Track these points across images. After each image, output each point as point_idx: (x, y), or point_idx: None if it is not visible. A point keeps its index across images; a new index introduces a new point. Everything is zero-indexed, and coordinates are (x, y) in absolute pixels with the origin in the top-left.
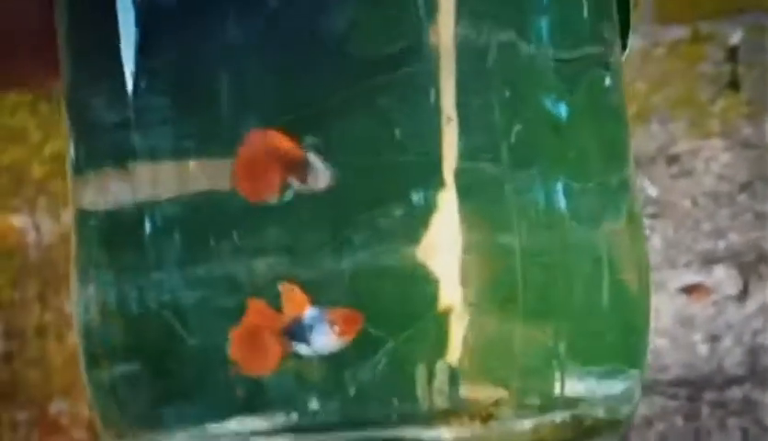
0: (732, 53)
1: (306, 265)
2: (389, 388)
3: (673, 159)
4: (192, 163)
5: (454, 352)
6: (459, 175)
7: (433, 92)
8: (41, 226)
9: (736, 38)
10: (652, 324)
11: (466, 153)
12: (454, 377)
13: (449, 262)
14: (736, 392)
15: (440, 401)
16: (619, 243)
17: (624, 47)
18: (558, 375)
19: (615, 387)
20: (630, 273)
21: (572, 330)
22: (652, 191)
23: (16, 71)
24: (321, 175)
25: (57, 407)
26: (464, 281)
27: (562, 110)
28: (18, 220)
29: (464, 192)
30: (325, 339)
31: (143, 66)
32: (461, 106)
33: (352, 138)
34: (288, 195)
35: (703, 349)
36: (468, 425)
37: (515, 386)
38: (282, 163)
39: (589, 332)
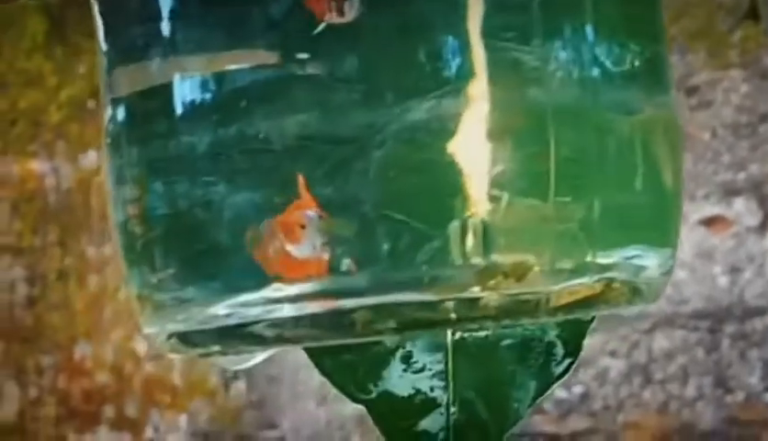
0: None
1: (336, 123)
2: (424, 248)
3: (692, 90)
4: (223, 53)
5: (488, 214)
6: (488, 47)
7: None
8: (60, 170)
9: None
10: None
11: (493, 27)
12: (487, 237)
13: (482, 134)
14: (757, 324)
15: (474, 261)
16: (653, 118)
17: None
18: (589, 243)
19: (646, 258)
20: (662, 150)
21: (605, 200)
22: None
23: None
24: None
25: (81, 351)
26: (493, 137)
27: None
28: (37, 165)
29: (492, 62)
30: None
31: None
32: None
33: (380, 19)
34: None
35: (723, 281)
36: (502, 284)
37: (548, 251)
38: None
39: (621, 204)
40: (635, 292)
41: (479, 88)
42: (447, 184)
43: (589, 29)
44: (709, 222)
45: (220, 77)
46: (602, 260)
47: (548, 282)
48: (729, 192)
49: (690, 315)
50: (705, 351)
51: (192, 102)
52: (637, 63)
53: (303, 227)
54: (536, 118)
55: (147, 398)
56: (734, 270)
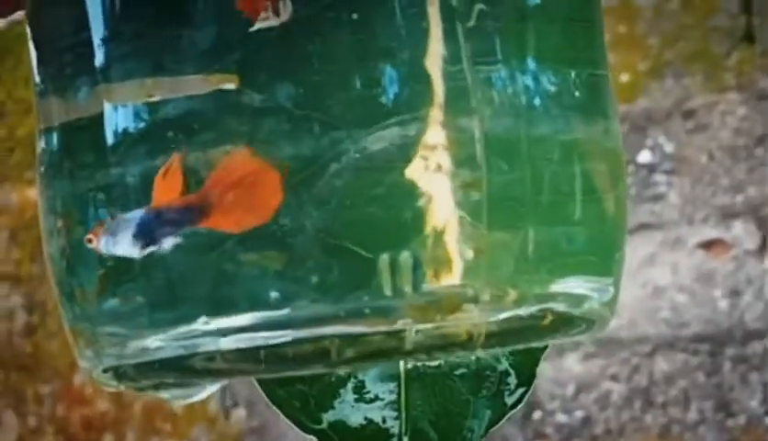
0: (746, 5)
1: (266, 155)
2: (355, 280)
3: (689, 114)
4: (162, 80)
5: (420, 241)
6: (439, 74)
7: None
8: None
9: None
10: (671, 280)
11: (443, 51)
12: (419, 266)
13: (417, 146)
14: (757, 347)
15: (405, 293)
16: (592, 144)
17: None
18: (526, 274)
19: (585, 288)
20: (603, 177)
21: (541, 231)
22: (668, 147)
23: None
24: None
25: (80, 378)
26: (428, 165)
27: None
28: (36, 193)
29: (441, 91)
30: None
31: None
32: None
33: (328, 42)
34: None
35: (723, 304)
36: (434, 317)
37: (483, 281)
38: None
39: (558, 235)
40: (574, 323)
41: (425, 113)
42: (379, 214)
43: (528, 56)
44: (708, 246)
45: (151, 106)
46: (538, 291)
47: (483, 314)
48: (728, 215)
49: (690, 339)
50: (706, 374)
51: (122, 133)
52: (576, 92)
53: (95, 236)
54: (468, 147)
55: (147, 425)
56: (734, 293)
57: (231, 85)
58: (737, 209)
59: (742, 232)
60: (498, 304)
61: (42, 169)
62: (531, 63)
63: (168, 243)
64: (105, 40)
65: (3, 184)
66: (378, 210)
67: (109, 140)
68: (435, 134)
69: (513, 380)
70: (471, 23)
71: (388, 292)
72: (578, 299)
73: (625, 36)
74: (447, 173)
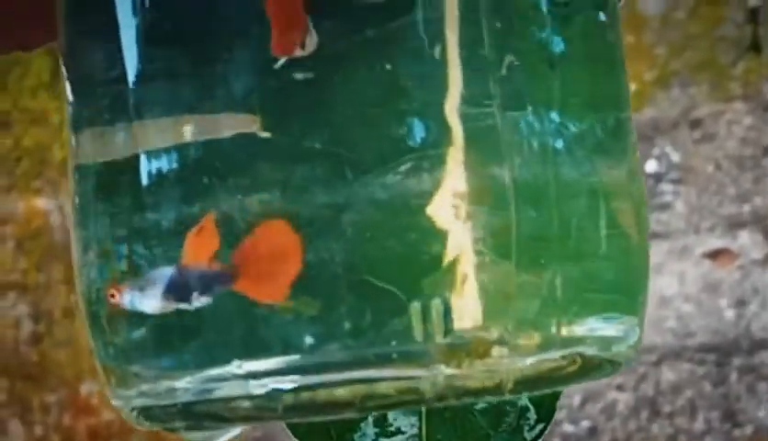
0: (753, 15)
1: (299, 201)
2: (386, 325)
3: (696, 123)
4: (189, 118)
5: (450, 288)
6: (462, 116)
7: (437, 39)
8: (65, 208)
9: None
10: (678, 290)
11: (466, 95)
12: (449, 311)
13: (447, 203)
14: (764, 356)
15: (436, 339)
16: (617, 185)
17: None
18: (554, 316)
19: (612, 329)
20: (627, 216)
21: (568, 273)
22: (675, 156)
23: (14, 31)
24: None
25: (87, 388)
26: (459, 214)
27: (556, 45)
28: (42, 203)
29: (465, 133)
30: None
31: (141, 21)
32: (461, 47)
33: (354, 86)
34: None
35: (729, 314)
36: (465, 363)
37: (511, 326)
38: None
39: (585, 277)
40: (602, 366)
41: (451, 157)
42: (410, 259)
43: (555, 102)
44: (714, 255)
45: (185, 150)
46: (566, 333)
47: (512, 359)
48: (734, 225)
49: (697, 348)
50: (713, 384)
51: (157, 176)
52: (601, 135)
53: (117, 292)
54: (498, 193)
55: (152, 435)
56: (740, 303)
57: (258, 128)
58: (743, 218)
59: (749, 242)
60: (527, 348)
61: (77, 203)
62: (558, 109)
63: (199, 302)
64: (139, 78)
65: (9, 193)
66: (408, 254)
67: (144, 182)
68: (465, 180)
69: (532, 416)
70: (502, 72)
71: (418, 337)
72: (606, 342)
73: (632, 46)
74: (478, 218)
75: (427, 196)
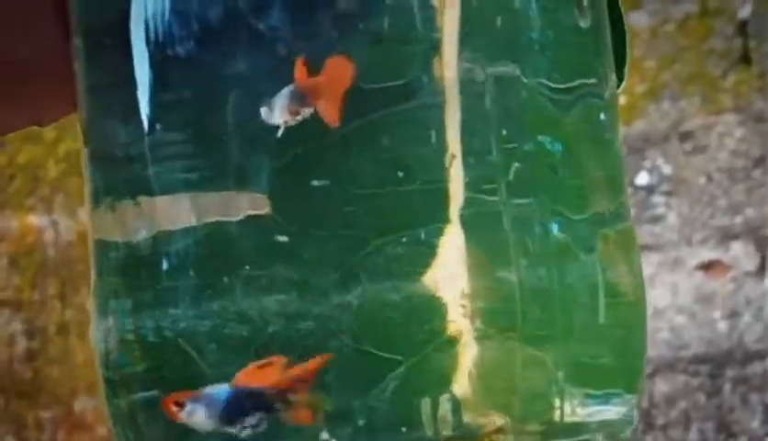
0: (742, 27)
1: (315, 302)
2: (397, 418)
3: (686, 136)
4: (205, 197)
5: (458, 381)
6: (464, 209)
7: (438, 126)
8: (59, 224)
9: (745, 11)
10: (671, 302)
11: (469, 189)
12: (457, 405)
13: (454, 293)
14: (757, 367)
15: (445, 430)
16: (616, 269)
17: (620, 80)
18: (558, 402)
19: (614, 411)
20: (627, 298)
21: (571, 357)
22: (667, 169)
23: (34, 106)
24: None
25: (81, 404)
26: (467, 312)
27: (557, 147)
28: (36, 220)
29: (468, 226)
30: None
31: (158, 102)
32: (464, 142)
33: (361, 167)
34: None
35: (722, 326)
36: None
37: (517, 413)
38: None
39: (587, 358)
40: None
41: (454, 248)
42: (420, 360)
43: (557, 201)
44: (707, 267)
45: (203, 238)
46: (570, 419)
47: None
48: (727, 236)
49: (690, 360)
50: (707, 396)
51: (176, 266)
52: (600, 224)
53: (179, 406)
54: (506, 296)
55: None
56: (733, 314)
57: (268, 210)
58: (735, 230)
59: (741, 253)
60: (533, 437)
61: (96, 280)
62: (561, 208)
63: (250, 423)
64: (157, 156)
65: (3, 210)
66: (414, 342)
67: (164, 268)
68: (474, 284)
69: None
70: (509, 177)
71: (429, 432)
72: (611, 427)
73: None
74: (486, 320)
75: (436, 300)
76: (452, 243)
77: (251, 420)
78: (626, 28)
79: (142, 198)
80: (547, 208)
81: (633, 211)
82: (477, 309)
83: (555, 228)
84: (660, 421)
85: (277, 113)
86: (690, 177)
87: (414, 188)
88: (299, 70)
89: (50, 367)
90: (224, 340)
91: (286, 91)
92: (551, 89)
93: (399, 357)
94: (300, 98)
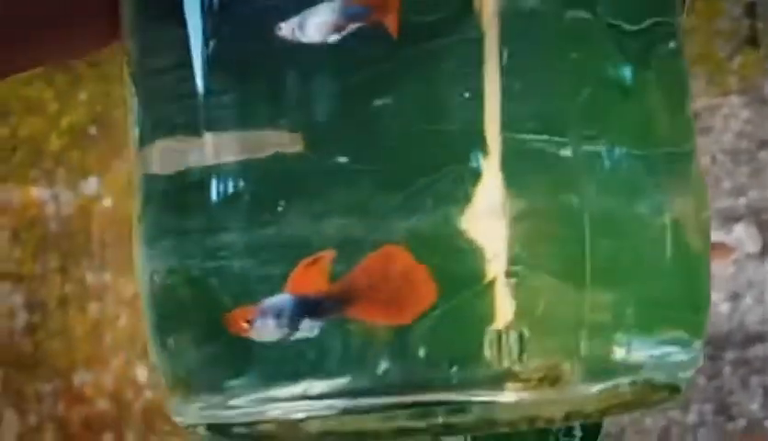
0: (750, 8)
1: (374, 227)
2: (459, 350)
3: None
4: (260, 133)
5: (521, 316)
6: (508, 141)
7: (478, 62)
8: (60, 197)
9: None
10: None
11: (515, 120)
12: (522, 340)
13: (516, 228)
14: (758, 350)
15: (508, 364)
16: (684, 211)
17: (682, 7)
18: (623, 341)
19: (678, 354)
20: (694, 242)
21: (637, 297)
22: None
23: (74, 36)
24: None
25: (81, 378)
26: (531, 247)
27: (628, 74)
28: (38, 192)
29: (512, 159)
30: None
31: (212, 35)
32: (513, 72)
33: (408, 103)
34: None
35: (724, 308)
36: (536, 389)
37: (582, 351)
38: None
39: (653, 300)
40: (667, 393)
41: (538, 191)
42: (477, 279)
43: (627, 131)
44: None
45: (254, 167)
46: (635, 359)
47: (583, 386)
48: (730, 218)
49: None
50: (707, 378)
51: (227, 194)
52: (670, 163)
53: (249, 322)
54: (573, 224)
55: (147, 426)
56: (734, 297)
57: (301, 147)
58: (739, 212)
59: (744, 236)
60: (597, 375)
61: (142, 214)
62: (630, 140)
63: (308, 330)
64: (209, 92)
65: (5, 183)
66: (475, 277)
67: (214, 199)
68: (539, 211)
69: (577, 433)
70: (578, 101)
71: (492, 363)
72: (674, 368)
73: None
74: (551, 250)
75: (487, 214)
76: (492, 179)
77: (310, 324)
78: None
79: (195, 134)
80: (617, 139)
81: None
82: (541, 243)
83: (625, 161)
84: None
85: (315, 29)
86: None
87: (457, 127)
88: None
89: (50, 341)
90: (277, 270)
91: (329, 6)
92: (622, 30)
93: (456, 295)
94: (354, 13)
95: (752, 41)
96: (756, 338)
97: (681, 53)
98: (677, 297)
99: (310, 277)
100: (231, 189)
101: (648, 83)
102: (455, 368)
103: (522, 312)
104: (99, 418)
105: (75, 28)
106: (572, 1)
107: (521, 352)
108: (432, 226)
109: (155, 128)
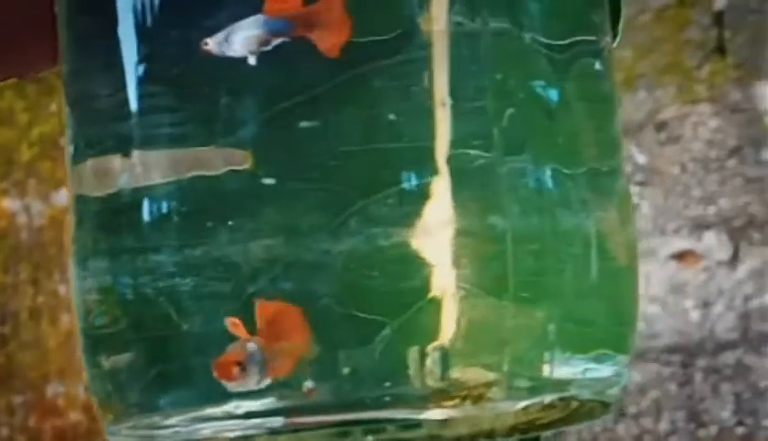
0: (718, 18)
1: (302, 247)
2: (383, 370)
3: (661, 125)
4: (191, 150)
5: (446, 334)
6: (452, 160)
7: (426, 78)
8: (32, 208)
9: (721, 2)
10: (643, 291)
11: (458, 139)
12: (446, 359)
13: (442, 246)
14: (729, 357)
15: (432, 383)
16: (609, 227)
17: (615, 35)
18: (547, 358)
19: (604, 371)
20: (619, 258)
21: (562, 314)
22: (641, 158)
23: (15, 58)
24: None
25: (53, 389)
26: (456, 265)
27: (554, 95)
28: (9, 203)
29: (457, 177)
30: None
31: (143, 54)
32: (454, 91)
33: (346, 123)
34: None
35: (695, 315)
36: (460, 406)
37: (506, 368)
38: None
39: (578, 317)
40: (595, 409)
41: (442, 197)
42: (405, 297)
43: (551, 150)
44: (680, 257)
45: (186, 188)
46: (560, 375)
47: (507, 403)
48: (700, 226)
49: (662, 349)
50: (678, 385)
51: (159, 215)
52: (594, 179)
53: (240, 364)
54: (497, 243)
55: None
56: (705, 304)
57: (250, 164)
58: (709, 220)
59: (714, 243)
60: (521, 392)
61: (77, 235)
62: (555, 158)
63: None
64: (141, 110)
65: None
66: (402, 294)
67: (146, 219)
68: (463, 237)
69: None
70: (503, 123)
71: (415, 382)
72: (600, 385)
73: None
74: (476, 272)
75: (419, 238)
76: (440, 196)
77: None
78: None
79: (126, 152)
80: (542, 158)
81: None
82: (466, 262)
83: (549, 180)
84: (631, 410)
85: (240, 44)
86: (664, 167)
87: (402, 143)
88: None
89: (22, 352)
90: (205, 295)
91: (252, 20)
92: (547, 47)
93: (383, 318)
94: (277, 27)
95: (721, 50)
96: (727, 346)
97: (607, 73)
98: (602, 314)
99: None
100: (161, 210)
101: (572, 102)
102: (380, 387)
103: (447, 332)
104: (72, 430)
105: (16, 49)
106: (503, 23)
107: (444, 370)
108: (367, 246)
109: (88, 146)
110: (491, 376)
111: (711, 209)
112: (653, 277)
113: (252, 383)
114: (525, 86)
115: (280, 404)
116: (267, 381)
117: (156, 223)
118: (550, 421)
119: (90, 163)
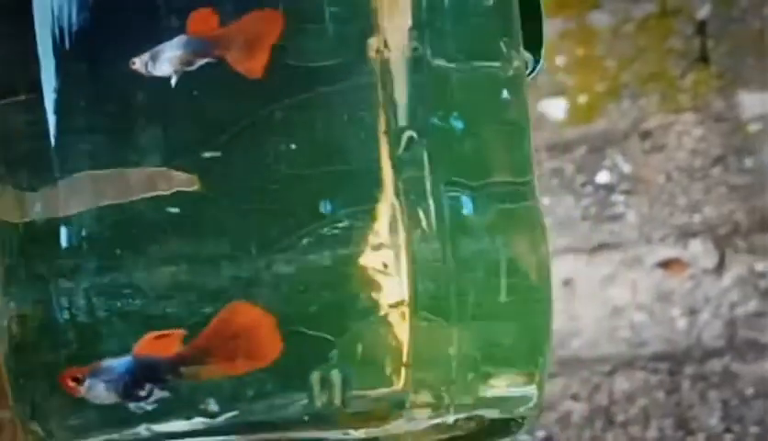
0: (701, 27)
1: (206, 274)
2: (289, 389)
3: (646, 135)
4: (105, 174)
5: (351, 355)
6: (396, 183)
7: (370, 106)
8: None
9: (704, 11)
10: (630, 299)
11: (399, 164)
12: (348, 379)
13: (367, 270)
14: (715, 365)
15: (335, 401)
16: (517, 249)
17: (536, 60)
18: (455, 379)
19: (513, 391)
20: (529, 279)
21: (468, 334)
22: (626, 167)
23: None
24: None
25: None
26: (367, 288)
27: (459, 124)
28: None
29: (400, 202)
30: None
31: (61, 81)
32: (388, 121)
33: (289, 148)
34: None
35: (681, 323)
36: (366, 425)
37: (410, 386)
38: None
39: (483, 339)
40: (509, 425)
41: (371, 236)
42: (311, 333)
43: (455, 175)
44: (666, 265)
45: (101, 216)
46: (465, 394)
47: (411, 423)
48: (685, 234)
49: (650, 357)
50: (666, 393)
51: (76, 244)
52: (501, 202)
53: (77, 379)
54: (397, 269)
55: None
56: (692, 312)
57: (198, 187)
58: (694, 228)
59: (700, 251)
60: (424, 412)
61: (1, 259)
62: (459, 183)
63: (143, 395)
64: (60, 136)
65: None
66: (311, 330)
67: (63, 245)
68: (372, 257)
69: None
70: (406, 148)
71: (319, 404)
72: (506, 404)
73: (582, 58)
74: (379, 293)
75: (337, 266)
76: (383, 220)
77: (143, 392)
78: (542, 10)
79: (42, 178)
80: (444, 180)
81: (593, 210)
82: (377, 284)
83: (458, 204)
84: (619, 418)
85: (165, 64)
86: (649, 176)
87: (349, 169)
88: (198, 21)
89: None
90: (118, 313)
91: (176, 41)
92: (454, 70)
93: (299, 334)
94: (198, 48)
95: (704, 59)
96: (714, 353)
97: (515, 98)
98: (510, 334)
99: (158, 346)
100: (80, 235)
101: (475, 127)
102: (286, 408)
103: (354, 352)
104: None
105: None
106: (425, 50)
107: (345, 391)
108: (306, 271)
109: (9, 171)
110: (393, 398)
111: (696, 218)
112: (640, 285)
113: (105, 398)
114: (435, 115)
115: (187, 427)
116: (160, 395)
117: (70, 253)
118: (465, 437)
119: (9, 189)
